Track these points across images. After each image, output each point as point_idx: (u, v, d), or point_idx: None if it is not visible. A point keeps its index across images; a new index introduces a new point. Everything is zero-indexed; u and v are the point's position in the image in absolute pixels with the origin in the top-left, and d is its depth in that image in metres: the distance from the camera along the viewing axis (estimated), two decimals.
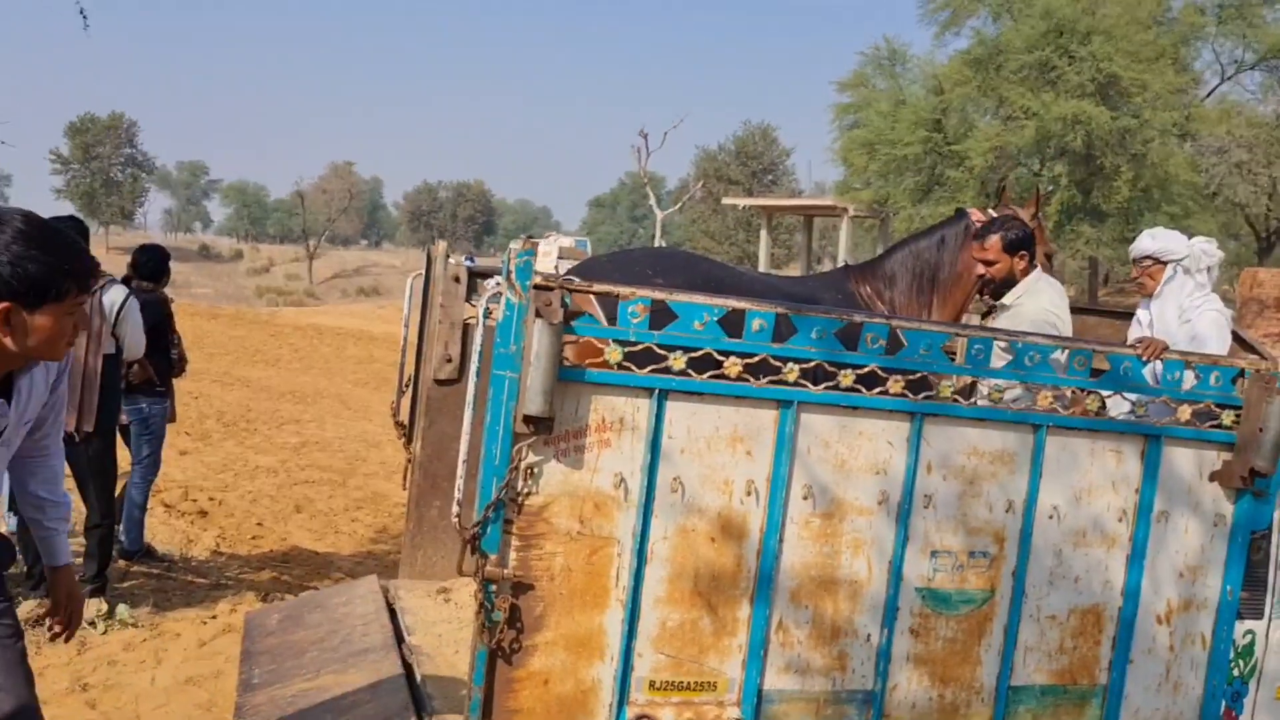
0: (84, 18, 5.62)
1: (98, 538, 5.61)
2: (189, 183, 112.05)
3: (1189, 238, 4.68)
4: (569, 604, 3.02)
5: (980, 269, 4.42)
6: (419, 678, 3.85)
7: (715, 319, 3.04)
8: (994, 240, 4.34)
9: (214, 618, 5.46)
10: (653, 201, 41.41)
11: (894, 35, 36.95)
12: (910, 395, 3.20)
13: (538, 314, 2.83)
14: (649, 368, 3.00)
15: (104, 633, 5.14)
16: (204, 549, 7.06)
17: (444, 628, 4.41)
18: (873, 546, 3.25)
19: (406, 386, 5.25)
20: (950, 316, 4.80)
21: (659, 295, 3.07)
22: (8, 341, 2.29)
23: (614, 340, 2.99)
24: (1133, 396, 3.57)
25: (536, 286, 2.86)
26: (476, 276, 4.86)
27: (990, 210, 4.96)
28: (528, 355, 2.84)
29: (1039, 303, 4.30)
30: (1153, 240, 4.69)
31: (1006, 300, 4.39)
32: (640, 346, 3.00)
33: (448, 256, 4.77)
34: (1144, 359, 3.50)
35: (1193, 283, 4.49)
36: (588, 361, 2.98)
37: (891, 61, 28.46)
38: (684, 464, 3.07)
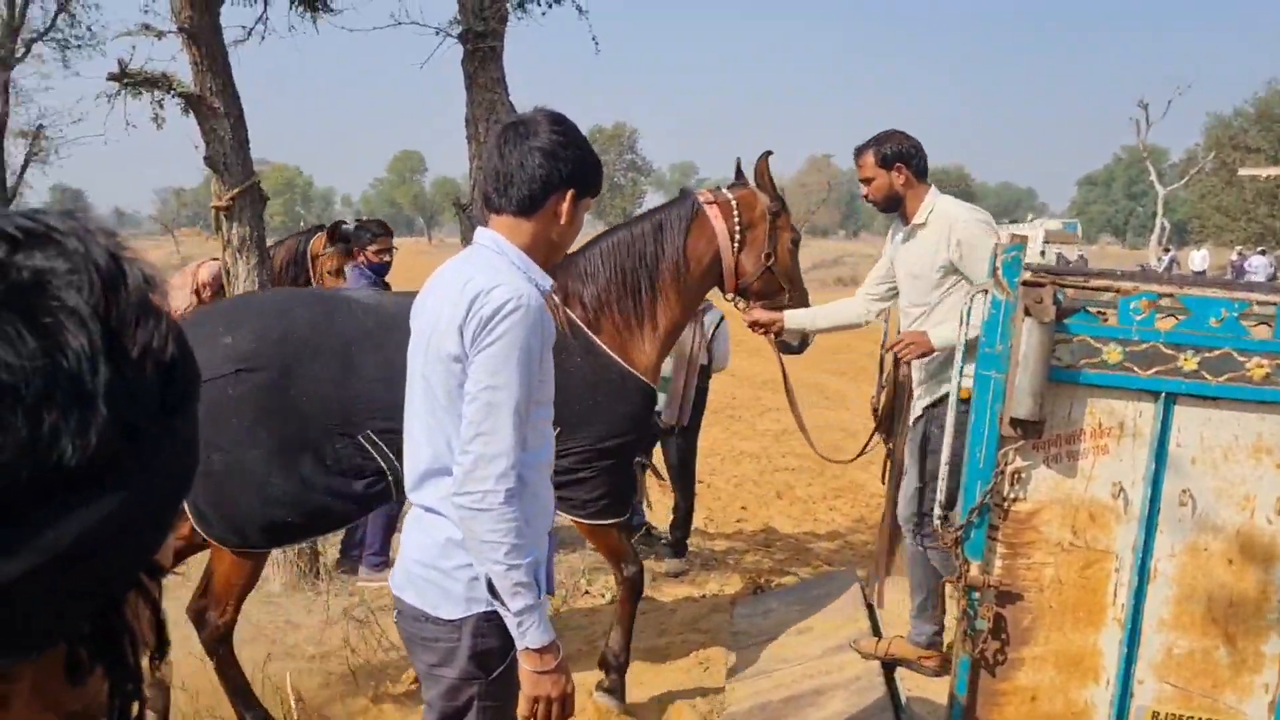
0: (595, 43, 6.21)
1: (680, 518, 6.62)
2: (680, 182, 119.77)
3: None
4: (1059, 618, 2.85)
5: (863, 189, 4.04)
6: (897, 678, 3.84)
7: (1235, 315, 2.71)
8: (867, 156, 3.96)
9: (704, 596, 5.82)
10: (1153, 177, 37.99)
11: None
12: None
13: (1027, 312, 2.69)
14: (1154, 369, 2.74)
15: (610, 601, 5.68)
16: (692, 528, 7.51)
17: None
18: None
19: (887, 380, 5.24)
20: (679, 309, 4.04)
21: (1166, 289, 2.80)
22: (565, 227, 2.31)
23: (1114, 339, 2.77)
24: None
25: (1025, 283, 2.72)
26: None
27: (724, 190, 4.20)
28: (1015, 355, 2.71)
29: (961, 211, 3.86)
30: None
31: (917, 218, 3.94)
32: (1144, 346, 2.76)
33: None
34: None
35: None
36: (1083, 362, 2.78)
37: None
38: (1195, 475, 2.77)
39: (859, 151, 4.03)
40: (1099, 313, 2.92)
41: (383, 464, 3.62)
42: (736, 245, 4.06)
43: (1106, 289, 2.86)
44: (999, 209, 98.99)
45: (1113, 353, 2.76)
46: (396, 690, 4.39)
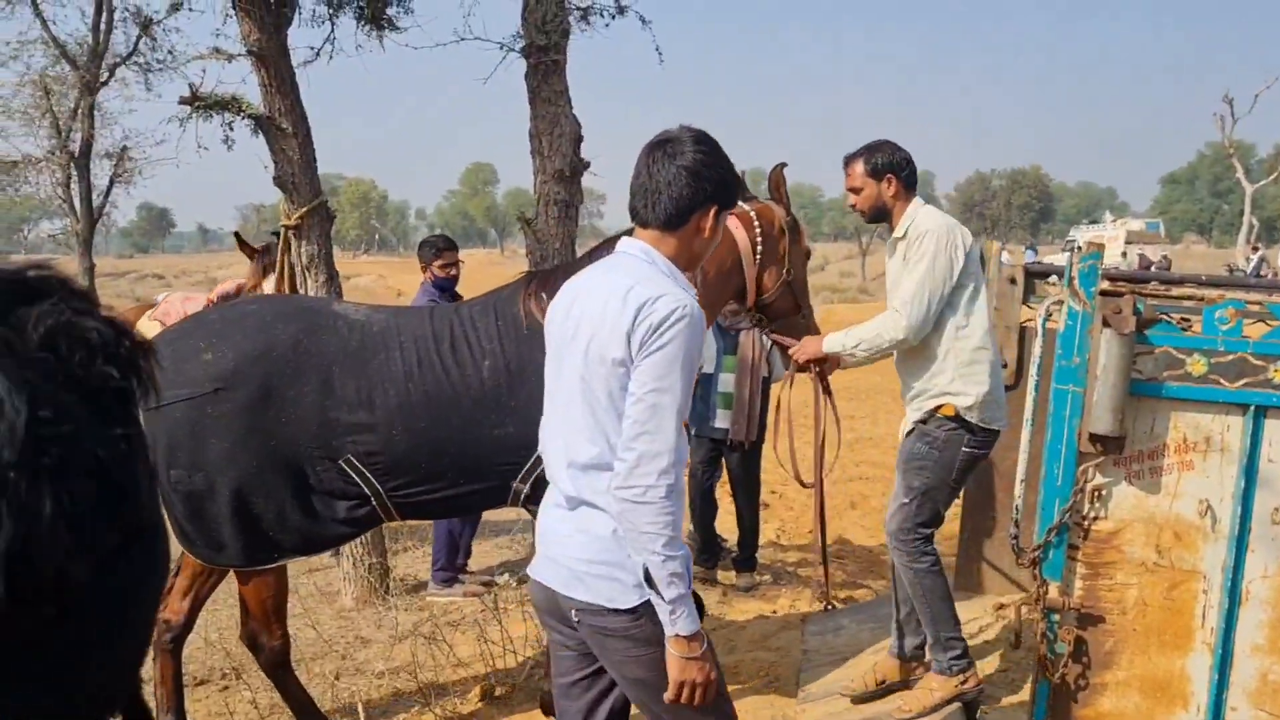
0: (659, 53, 6.16)
1: (746, 533, 6.50)
2: (751, 186, 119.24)
3: None
4: (1144, 642, 2.73)
5: (850, 199, 3.91)
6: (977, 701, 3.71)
7: None
8: (856, 166, 3.85)
9: (775, 612, 5.71)
10: (1240, 174, 36.81)
11: None
12: None
13: (1105, 323, 2.58)
14: (1242, 381, 2.61)
15: None
16: (764, 540, 7.40)
17: (1001, 647, 4.22)
18: None
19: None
20: None
21: (1254, 297, 2.67)
22: (705, 240, 2.40)
23: (1198, 350, 2.64)
24: None
25: (1104, 293, 2.61)
26: (1034, 277, 4.60)
27: (740, 202, 3.94)
28: (1093, 368, 2.60)
29: (929, 222, 3.70)
30: None
31: (897, 232, 3.82)
32: (1231, 356, 2.63)
33: (1001, 256, 4.56)
34: None
35: None
36: (1166, 374, 2.66)
37: None
38: None
39: (848, 160, 3.92)
40: (1182, 321, 2.80)
41: (365, 489, 3.56)
42: (758, 258, 3.94)
43: (1189, 297, 2.73)
44: (1079, 209, 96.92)
45: (1197, 364, 2.64)
46: (464, 709, 4.37)
